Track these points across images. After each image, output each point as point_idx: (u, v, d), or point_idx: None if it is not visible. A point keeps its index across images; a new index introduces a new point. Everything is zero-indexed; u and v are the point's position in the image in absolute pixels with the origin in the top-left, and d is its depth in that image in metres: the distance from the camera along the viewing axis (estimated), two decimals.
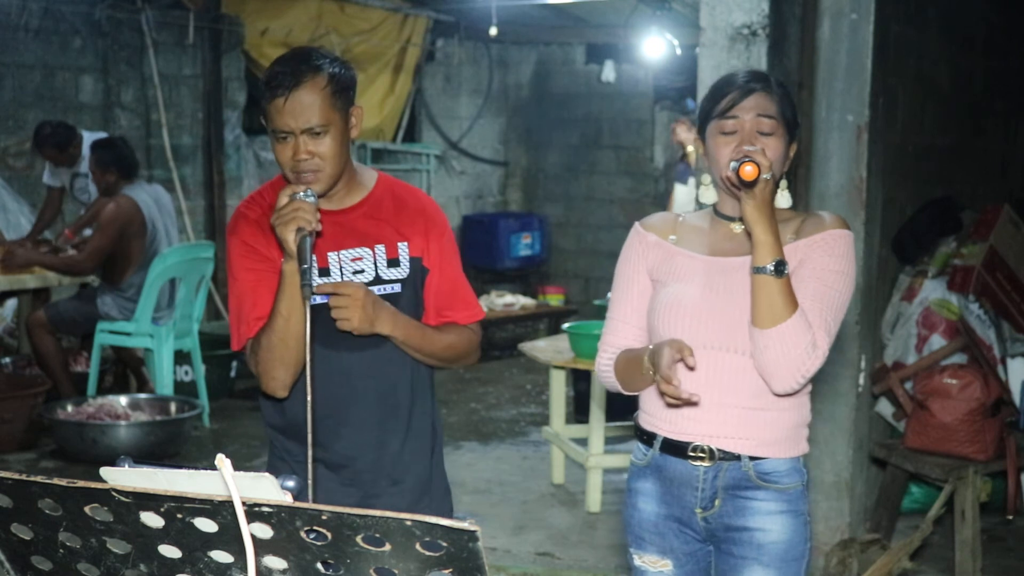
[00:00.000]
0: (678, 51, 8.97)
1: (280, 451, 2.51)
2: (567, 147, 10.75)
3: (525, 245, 10.31)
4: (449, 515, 2.57)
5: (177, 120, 8.16)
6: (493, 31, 9.01)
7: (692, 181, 8.55)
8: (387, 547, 1.39)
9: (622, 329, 2.43)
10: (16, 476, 1.50)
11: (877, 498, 4.71)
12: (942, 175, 5.25)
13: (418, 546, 1.38)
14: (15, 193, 7.36)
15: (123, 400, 6.11)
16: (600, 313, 7.23)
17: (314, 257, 2.23)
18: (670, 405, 2.30)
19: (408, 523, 1.36)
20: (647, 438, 2.40)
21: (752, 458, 2.30)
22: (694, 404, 2.25)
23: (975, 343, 4.72)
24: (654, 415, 2.38)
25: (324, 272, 2.40)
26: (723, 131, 2.29)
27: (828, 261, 2.27)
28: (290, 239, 2.21)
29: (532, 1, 9.04)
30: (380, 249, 2.44)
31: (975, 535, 4.26)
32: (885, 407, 4.83)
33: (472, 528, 1.34)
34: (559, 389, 5.64)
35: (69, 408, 5.95)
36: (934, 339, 4.80)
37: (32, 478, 1.49)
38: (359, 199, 2.46)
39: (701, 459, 2.31)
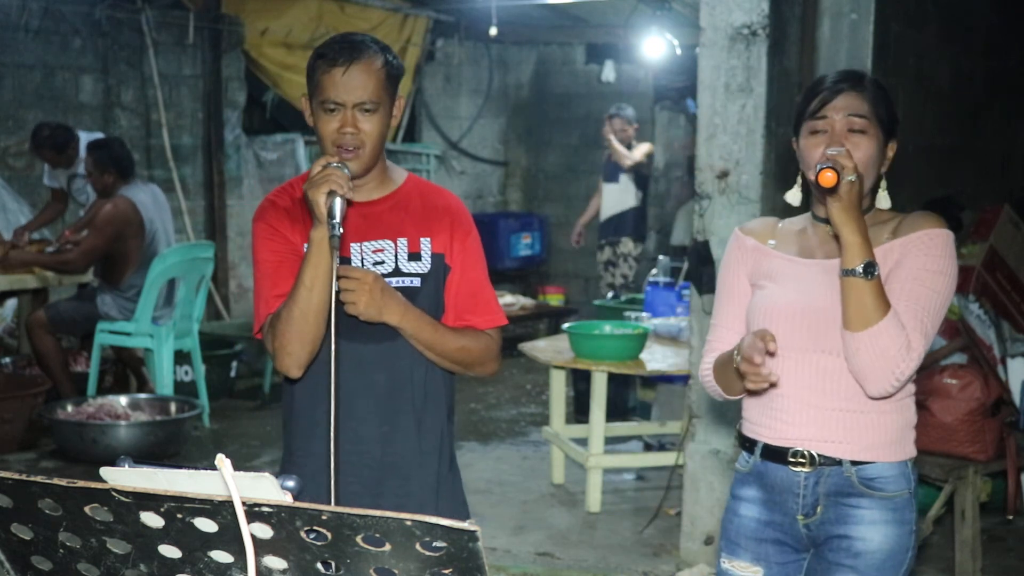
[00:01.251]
0: (678, 51, 8.97)
1: (286, 451, 2.50)
2: (567, 147, 10.75)
3: (525, 245, 10.31)
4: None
5: (177, 120, 8.16)
6: (493, 31, 9.01)
7: (624, 179, 8.49)
8: (387, 547, 1.39)
9: (725, 335, 2.41)
10: (16, 476, 1.50)
11: None
12: (942, 175, 5.25)
13: (418, 546, 1.38)
14: (15, 193, 7.36)
15: (123, 400, 6.11)
16: (600, 313, 7.24)
17: (342, 222, 2.20)
18: (750, 392, 2.26)
19: (408, 523, 1.36)
20: (749, 445, 2.38)
21: (854, 463, 2.26)
22: (774, 386, 2.21)
23: (975, 343, 4.73)
24: (755, 422, 2.36)
25: (345, 261, 2.39)
26: (813, 131, 2.27)
27: (925, 260, 2.24)
28: (321, 201, 2.20)
29: (532, 1, 9.03)
30: (402, 242, 2.43)
31: (975, 535, 4.26)
32: None
33: (472, 528, 1.34)
34: (559, 389, 5.64)
35: (69, 408, 5.95)
36: (934, 339, 4.80)
37: (32, 478, 1.49)
38: (387, 193, 2.47)
39: (802, 464, 2.28)
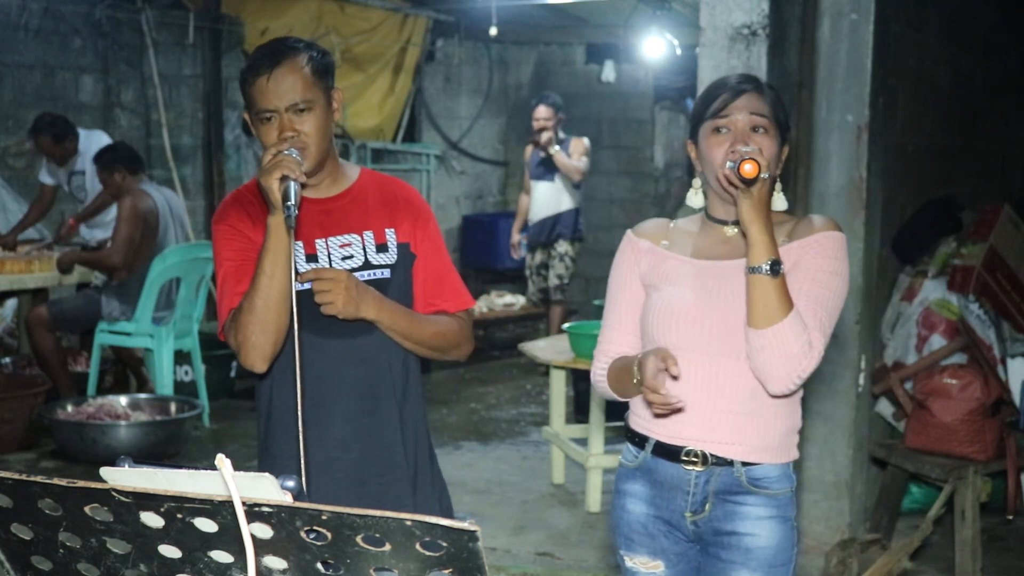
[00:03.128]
0: (678, 51, 8.97)
1: (266, 452, 2.50)
2: None
3: (525, 245, 10.29)
4: (448, 512, 2.57)
5: (177, 120, 8.16)
6: (493, 31, 9.01)
7: (559, 178, 7.97)
8: (387, 547, 1.39)
9: (616, 337, 2.43)
10: (16, 476, 1.50)
11: (877, 498, 4.71)
12: (942, 175, 5.25)
13: (418, 546, 1.38)
14: (15, 193, 7.36)
15: (123, 400, 6.11)
16: (600, 313, 7.22)
17: (297, 204, 2.21)
18: (657, 415, 2.31)
19: (408, 523, 1.36)
20: (638, 440, 2.40)
21: (744, 464, 2.31)
22: (680, 411, 2.26)
23: (975, 343, 4.72)
24: (646, 417, 2.38)
25: (312, 258, 2.41)
26: (716, 129, 2.29)
27: (822, 262, 2.27)
28: (274, 187, 2.22)
29: (532, 1, 9.03)
30: (368, 235, 2.46)
31: (975, 535, 4.26)
32: (885, 407, 4.83)
33: (472, 528, 1.34)
34: (559, 389, 5.64)
35: (69, 408, 5.95)
36: (934, 339, 4.80)
37: (32, 478, 1.49)
38: (344, 188, 2.49)
39: (694, 463, 2.31)
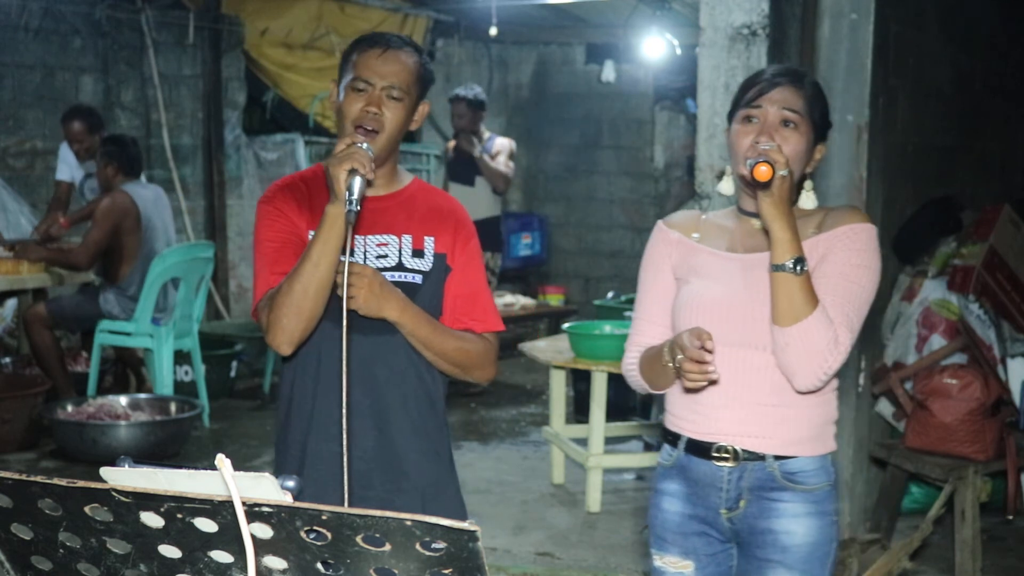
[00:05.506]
0: (678, 51, 8.97)
1: (280, 440, 2.50)
2: (567, 147, 10.74)
3: (525, 245, 10.31)
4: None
5: (177, 120, 8.16)
6: (493, 31, 9.01)
7: (480, 182, 7.50)
8: (387, 547, 1.39)
9: (648, 328, 2.41)
10: (16, 476, 1.50)
11: (877, 498, 4.71)
12: (942, 175, 5.25)
13: (418, 546, 1.38)
14: (15, 193, 7.35)
15: (123, 400, 6.11)
16: (600, 313, 7.23)
17: (359, 201, 2.21)
18: (688, 390, 2.27)
19: (408, 523, 1.36)
20: (672, 439, 2.38)
21: (777, 457, 2.28)
22: (715, 383, 2.22)
23: (975, 343, 4.72)
24: (678, 415, 2.36)
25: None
26: (746, 118, 2.27)
27: (850, 255, 2.24)
28: (342, 177, 2.21)
29: (532, 1, 9.03)
30: (407, 239, 2.45)
31: (975, 535, 4.26)
32: (885, 407, 4.83)
33: (472, 528, 1.34)
34: (559, 389, 5.64)
35: (69, 408, 5.95)
36: (934, 339, 4.80)
37: (32, 478, 1.49)
38: (395, 190, 2.50)
39: (725, 459, 2.29)
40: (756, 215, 2.32)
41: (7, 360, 6.66)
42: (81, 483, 1.47)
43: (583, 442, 5.35)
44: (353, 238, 2.35)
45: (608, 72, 10.22)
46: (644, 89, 10.23)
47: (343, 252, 2.28)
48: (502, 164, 7.51)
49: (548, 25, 10.23)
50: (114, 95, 7.82)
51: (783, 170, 2.14)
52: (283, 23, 8.61)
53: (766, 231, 2.22)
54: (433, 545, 1.37)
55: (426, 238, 2.46)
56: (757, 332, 2.24)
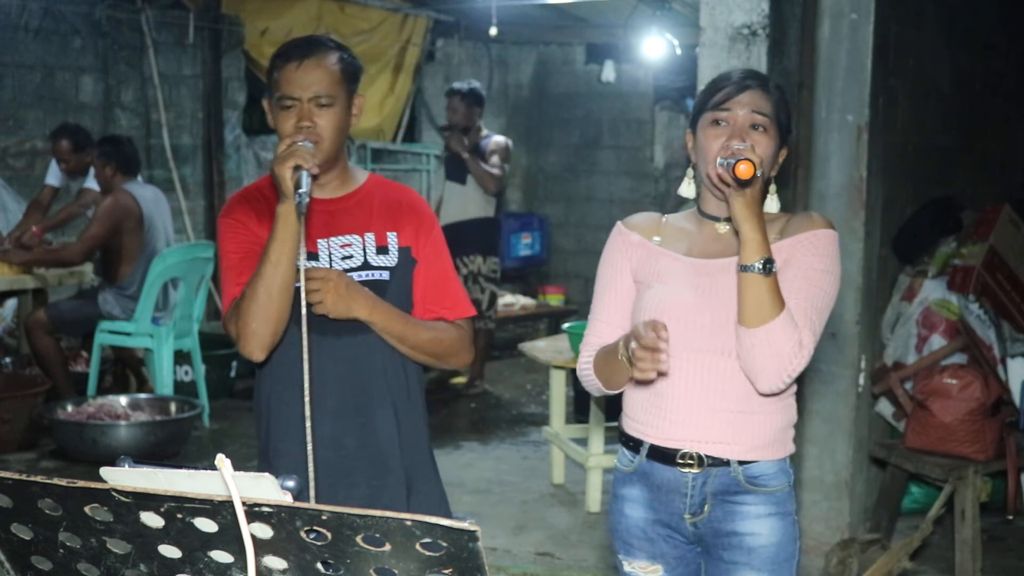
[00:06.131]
0: (678, 51, 8.96)
1: (263, 450, 2.50)
2: (567, 147, 10.75)
3: (525, 245, 10.31)
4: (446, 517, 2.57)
5: (177, 120, 8.16)
6: (493, 31, 9.00)
7: (472, 182, 7.16)
8: (387, 547, 1.39)
9: (605, 330, 2.40)
10: (16, 476, 1.50)
11: (877, 498, 4.71)
12: (942, 175, 5.25)
13: (418, 546, 1.38)
14: (15, 193, 7.36)
15: (123, 400, 6.11)
16: None
17: (308, 194, 2.23)
18: (637, 382, 2.25)
19: (408, 523, 1.36)
20: (633, 444, 2.38)
21: (741, 462, 2.28)
22: (664, 375, 2.20)
23: (975, 343, 4.72)
24: (639, 420, 2.36)
25: (313, 257, 2.42)
26: (714, 122, 2.27)
27: (813, 260, 2.25)
28: (287, 175, 2.24)
29: (532, 1, 9.03)
30: (369, 237, 2.47)
31: (975, 535, 4.26)
32: (885, 407, 4.83)
33: (472, 528, 1.34)
34: (559, 389, 5.64)
35: (69, 408, 5.95)
36: (934, 339, 4.80)
37: (32, 478, 1.49)
38: (351, 190, 2.51)
39: (690, 466, 2.29)
40: (718, 218, 2.33)
41: (7, 360, 6.66)
42: (81, 483, 1.47)
43: (583, 442, 5.36)
44: (307, 233, 2.36)
45: (608, 72, 10.22)
46: (644, 89, 10.23)
47: (301, 253, 2.31)
48: (494, 165, 7.22)
49: (548, 25, 10.23)
50: (114, 95, 7.82)
51: (759, 171, 2.14)
52: (283, 23, 8.61)
53: (735, 232, 2.21)
54: (433, 545, 1.37)
55: (389, 234, 2.48)
56: (721, 338, 2.24)
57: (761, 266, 2.15)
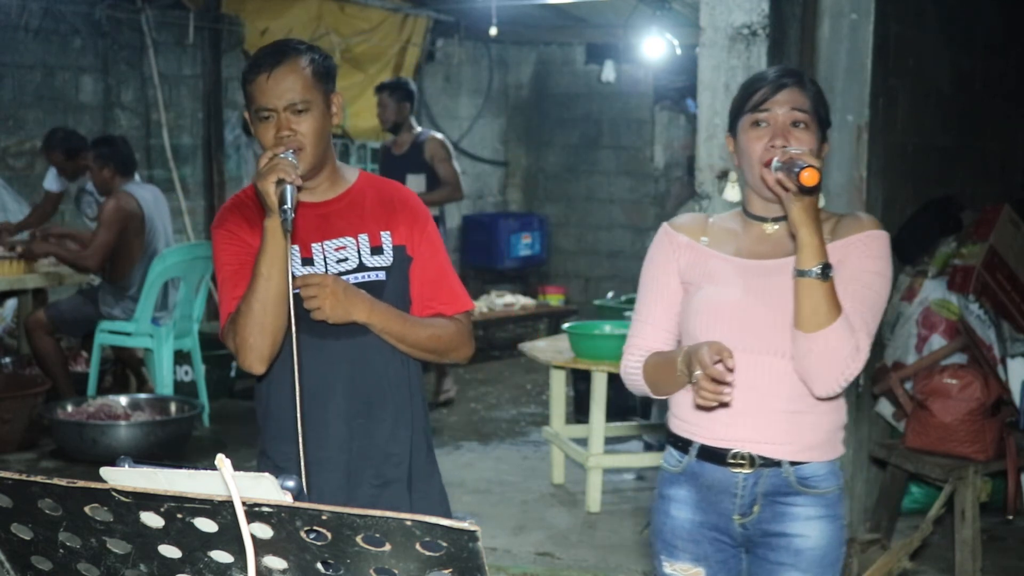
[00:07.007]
0: (678, 51, 8.97)
1: (264, 453, 2.51)
2: (567, 147, 10.75)
3: (525, 245, 10.31)
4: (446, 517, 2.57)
5: (177, 120, 8.16)
6: (493, 31, 9.00)
7: (413, 181, 6.53)
8: (387, 547, 1.39)
9: (650, 332, 2.37)
10: (16, 476, 1.50)
11: (877, 498, 4.71)
12: (942, 175, 5.25)
13: (418, 546, 1.38)
14: (15, 193, 7.36)
15: (123, 400, 6.11)
16: (600, 313, 7.23)
17: (293, 208, 2.23)
18: (700, 407, 2.23)
19: (408, 523, 1.36)
20: (681, 444, 2.35)
21: (792, 463, 2.27)
22: (726, 406, 2.20)
23: (975, 343, 4.72)
24: (689, 420, 2.33)
25: (308, 262, 2.42)
26: (755, 123, 2.25)
27: (866, 262, 2.23)
28: (271, 190, 2.23)
29: (532, 1, 9.03)
30: (363, 238, 2.46)
31: (975, 535, 4.26)
32: (885, 407, 4.83)
33: (472, 528, 1.34)
34: (559, 389, 5.64)
35: (69, 408, 5.95)
36: (934, 339, 4.80)
37: (32, 478, 1.49)
38: (341, 191, 2.50)
39: (741, 466, 2.27)
40: (765, 219, 2.30)
41: (7, 360, 6.66)
42: (81, 483, 1.47)
43: (583, 442, 5.35)
44: (300, 238, 2.37)
45: (608, 72, 10.22)
46: (644, 89, 10.24)
47: (298, 264, 2.32)
48: (449, 173, 6.68)
49: (548, 25, 10.23)
50: (114, 95, 7.82)
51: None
52: (283, 23, 8.61)
53: (791, 235, 2.19)
54: (433, 545, 1.37)
55: (382, 233, 2.47)
56: (774, 339, 2.22)
57: (820, 271, 2.13)
